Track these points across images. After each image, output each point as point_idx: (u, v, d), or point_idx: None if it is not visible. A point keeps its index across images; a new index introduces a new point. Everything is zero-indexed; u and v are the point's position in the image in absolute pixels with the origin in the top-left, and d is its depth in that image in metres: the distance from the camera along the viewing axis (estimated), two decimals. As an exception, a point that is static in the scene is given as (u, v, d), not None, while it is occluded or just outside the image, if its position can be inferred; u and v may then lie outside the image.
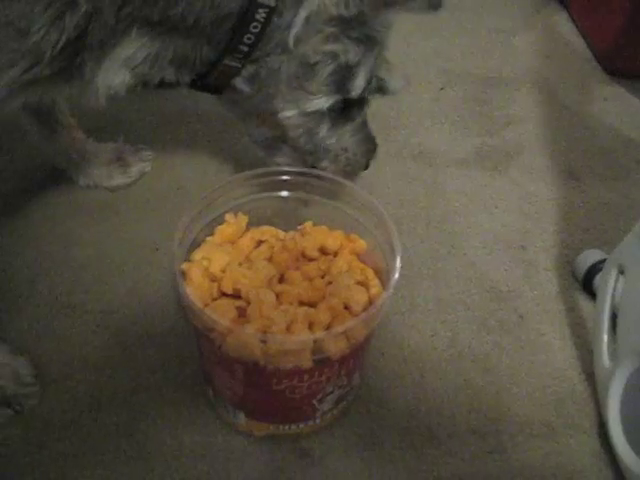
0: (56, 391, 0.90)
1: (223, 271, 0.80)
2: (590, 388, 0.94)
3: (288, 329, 0.73)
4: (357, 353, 0.78)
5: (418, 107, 1.39)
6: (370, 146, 1.04)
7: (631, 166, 1.28)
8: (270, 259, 0.83)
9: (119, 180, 1.17)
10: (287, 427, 0.84)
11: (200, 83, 0.87)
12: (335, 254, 0.85)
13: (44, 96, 0.81)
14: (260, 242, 0.86)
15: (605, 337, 0.91)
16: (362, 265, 0.84)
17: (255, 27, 0.78)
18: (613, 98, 1.45)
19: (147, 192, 1.17)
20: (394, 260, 0.77)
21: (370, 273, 0.82)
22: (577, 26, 1.65)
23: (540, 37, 1.62)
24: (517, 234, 1.15)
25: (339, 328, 0.73)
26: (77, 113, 1.13)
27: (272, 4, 0.77)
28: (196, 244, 0.84)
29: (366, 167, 1.06)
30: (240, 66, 0.84)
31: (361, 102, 0.96)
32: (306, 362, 0.73)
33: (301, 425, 0.84)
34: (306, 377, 0.75)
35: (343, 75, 0.87)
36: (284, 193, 0.89)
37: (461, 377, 0.95)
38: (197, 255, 0.82)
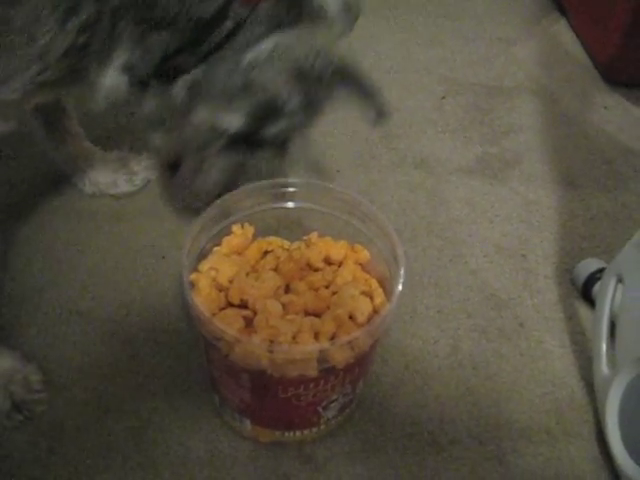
0: (64, 397, 0.91)
1: (231, 281, 0.81)
2: (589, 395, 0.95)
3: (294, 339, 0.75)
4: (362, 362, 0.79)
5: (420, 116, 1.40)
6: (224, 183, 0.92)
7: (630, 175, 1.30)
8: (276, 269, 0.85)
9: (124, 188, 1.19)
10: (292, 434, 0.86)
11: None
12: (339, 264, 0.86)
13: (57, 97, 0.81)
14: (266, 252, 0.88)
15: (604, 345, 0.92)
16: (366, 275, 0.85)
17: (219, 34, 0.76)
18: (613, 107, 1.47)
19: (153, 200, 1.18)
20: (398, 271, 0.79)
21: (374, 283, 0.83)
22: (577, 35, 1.66)
23: (540, 46, 1.63)
24: (517, 242, 1.16)
25: (345, 338, 0.75)
26: (84, 121, 1.15)
27: (242, 17, 0.75)
28: (203, 254, 0.85)
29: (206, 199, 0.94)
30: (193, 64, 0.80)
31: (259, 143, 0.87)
32: (312, 371, 0.74)
33: (305, 432, 0.86)
34: (312, 385, 0.76)
35: (267, 113, 0.82)
36: (290, 204, 0.90)
37: (462, 384, 0.96)
38: (205, 265, 0.83)
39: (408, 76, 1.51)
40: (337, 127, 1.34)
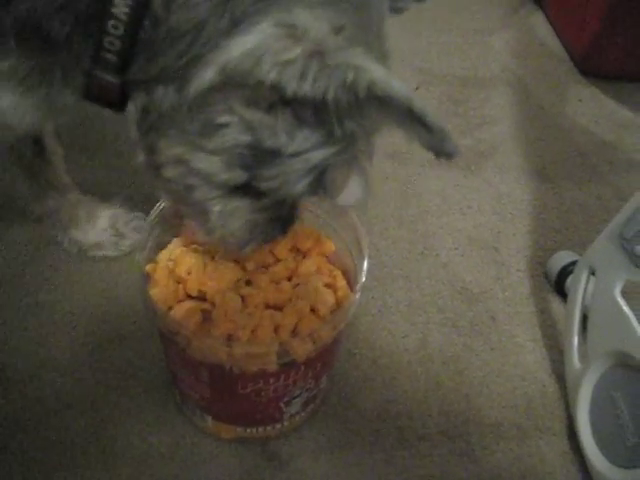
0: (22, 392, 0.89)
1: (189, 273, 0.78)
2: (560, 390, 0.94)
3: (253, 333, 0.73)
4: (324, 356, 0.77)
5: (393, 106, 1.38)
6: (270, 235, 0.72)
7: (604, 168, 1.29)
8: (237, 260, 0.82)
9: (108, 252, 1.06)
10: (255, 430, 0.83)
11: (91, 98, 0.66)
12: (304, 255, 0.84)
13: None
14: (227, 243, 0.85)
15: (576, 339, 0.92)
16: (330, 267, 0.83)
17: (115, 27, 0.59)
18: (588, 99, 1.46)
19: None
20: (362, 263, 0.77)
21: (338, 275, 0.81)
22: (553, 27, 1.65)
23: (516, 38, 1.62)
24: (490, 235, 1.14)
25: (305, 332, 0.73)
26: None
27: None
28: (162, 245, 0.83)
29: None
30: (116, 82, 0.63)
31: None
32: (271, 365, 0.72)
33: (269, 428, 0.84)
34: (272, 380, 0.74)
35: (260, 160, 0.60)
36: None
37: (432, 379, 0.94)
38: (163, 256, 0.81)
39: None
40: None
